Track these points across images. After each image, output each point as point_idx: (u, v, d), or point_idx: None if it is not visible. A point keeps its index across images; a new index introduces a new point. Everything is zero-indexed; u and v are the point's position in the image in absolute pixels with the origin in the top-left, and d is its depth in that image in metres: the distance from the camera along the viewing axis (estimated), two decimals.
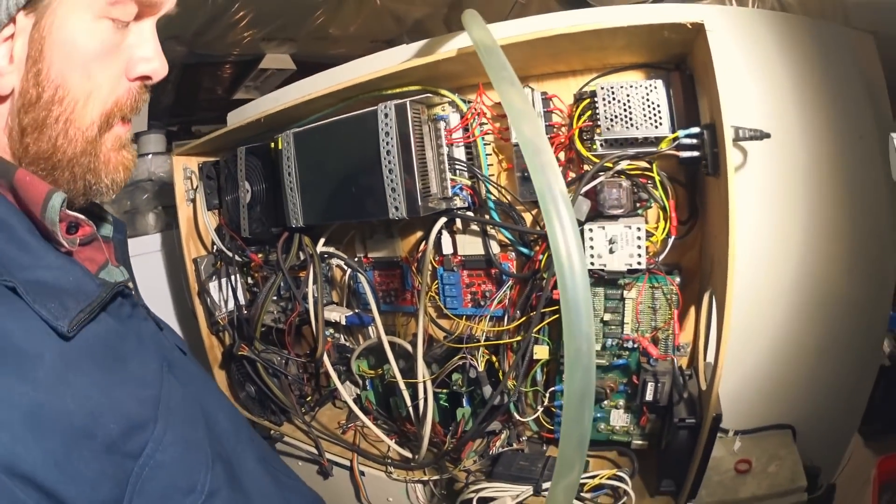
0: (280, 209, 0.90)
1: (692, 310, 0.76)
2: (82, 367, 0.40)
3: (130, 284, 0.58)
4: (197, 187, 1.07)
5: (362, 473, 0.88)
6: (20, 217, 0.43)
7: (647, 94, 0.70)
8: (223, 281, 1.06)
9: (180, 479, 0.44)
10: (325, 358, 0.86)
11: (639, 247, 0.69)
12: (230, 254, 1.02)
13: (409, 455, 0.86)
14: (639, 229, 0.69)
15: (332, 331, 1.00)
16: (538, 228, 0.79)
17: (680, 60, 0.71)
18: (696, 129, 0.65)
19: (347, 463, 0.90)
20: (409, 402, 0.84)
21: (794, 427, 0.78)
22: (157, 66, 0.47)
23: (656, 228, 0.73)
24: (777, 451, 0.76)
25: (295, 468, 0.99)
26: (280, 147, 0.88)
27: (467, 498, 0.74)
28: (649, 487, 0.74)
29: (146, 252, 1.27)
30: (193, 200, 1.08)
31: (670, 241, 0.71)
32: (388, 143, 0.74)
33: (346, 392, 0.93)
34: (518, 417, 0.82)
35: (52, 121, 0.43)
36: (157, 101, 1.90)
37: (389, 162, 0.74)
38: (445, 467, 0.83)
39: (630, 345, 0.76)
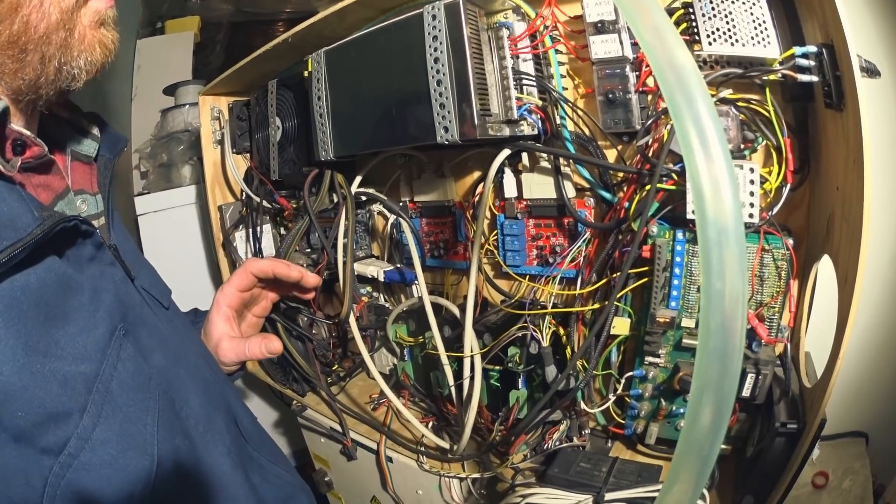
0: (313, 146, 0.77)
1: (794, 285, 0.59)
2: None
3: (101, 220, 0.50)
4: (224, 128, 0.96)
5: (389, 460, 0.74)
6: None
7: (751, 8, 0.54)
8: (251, 231, 0.94)
9: (110, 488, 0.36)
10: (352, 320, 0.72)
11: (752, 193, 0.54)
12: (256, 198, 0.90)
13: (447, 444, 0.71)
14: (752, 170, 0.54)
15: (369, 289, 0.87)
16: (626, 165, 0.62)
17: None
18: (812, 48, 0.50)
19: (374, 446, 0.76)
20: (451, 381, 0.68)
21: (869, 435, 0.71)
22: None
23: (769, 174, 0.56)
24: (852, 463, 0.70)
25: (317, 446, 0.87)
26: (310, 69, 0.74)
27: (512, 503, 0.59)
28: (724, 501, 0.59)
29: (182, 204, 1.20)
30: (221, 142, 0.97)
31: (786, 190, 0.55)
32: (436, 49, 0.58)
33: (377, 363, 0.79)
34: (585, 407, 0.65)
35: None
36: (206, 62, 1.85)
37: (438, 72, 0.58)
38: (489, 462, 0.67)
39: None
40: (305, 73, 0.77)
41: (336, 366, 0.86)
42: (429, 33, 0.59)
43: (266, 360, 0.91)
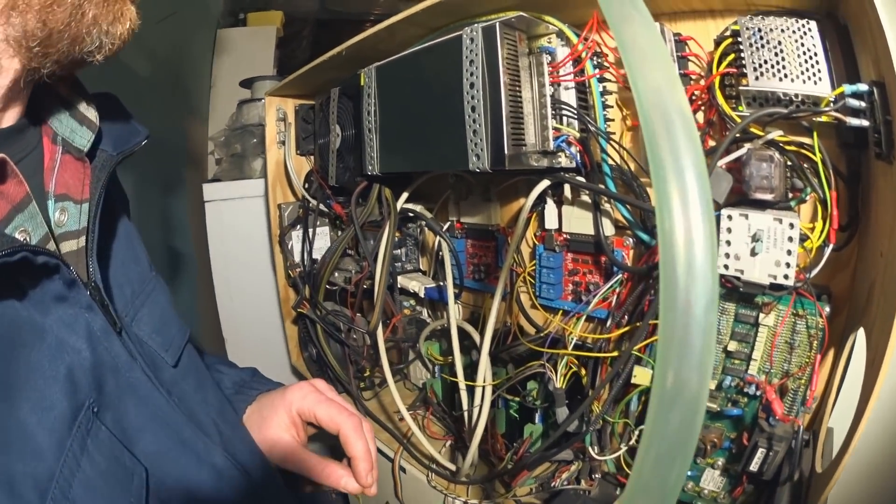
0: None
1: (830, 353, 0.53)
2: None
3: (81, 241, 0.36)
4: (287, 129, 1.01)
5: (403, 470, 0.75)
6: None
7: (801, 38, 0.48)
8: (310, 231, 0.98)
9: None
10: (380, 333, 0.73)
11: (789, 252, 0.48)
12: (313, 201, 0.94)
13: (454, 467, 0.71)
14: (791, 226, 0.48)
15: (412, 302, 0.88)
16: None
17: (830, 8, 0.49)
18: (863, 86, 0.44)
19: (391, 454, 0.77)
20: (465, 406, 0.68)
21: None
22: None
23: (811, 230, 0.50)
24: None
25: None
26: (363, 84, 0.76)
27: None
28: None
29: (250, 196, 1.25)
30: (283, 143, 1.02)
31: (827, 251, 0.49)
32: (472, 75, 0.57)
33: (412, 375, 0.80)
34: (593, 454, 0.62)
35: None
36: (292, 55, 1.93)
37: (473, 97, 0.58)
38: (494, 490, 0.66)
39: (752, 390, 0.54)
40: (360, 84, 0.79)
41: (368, 372, 0.88)
42: (466, 57, 0.58)
43: (307, 355, 0.95)
